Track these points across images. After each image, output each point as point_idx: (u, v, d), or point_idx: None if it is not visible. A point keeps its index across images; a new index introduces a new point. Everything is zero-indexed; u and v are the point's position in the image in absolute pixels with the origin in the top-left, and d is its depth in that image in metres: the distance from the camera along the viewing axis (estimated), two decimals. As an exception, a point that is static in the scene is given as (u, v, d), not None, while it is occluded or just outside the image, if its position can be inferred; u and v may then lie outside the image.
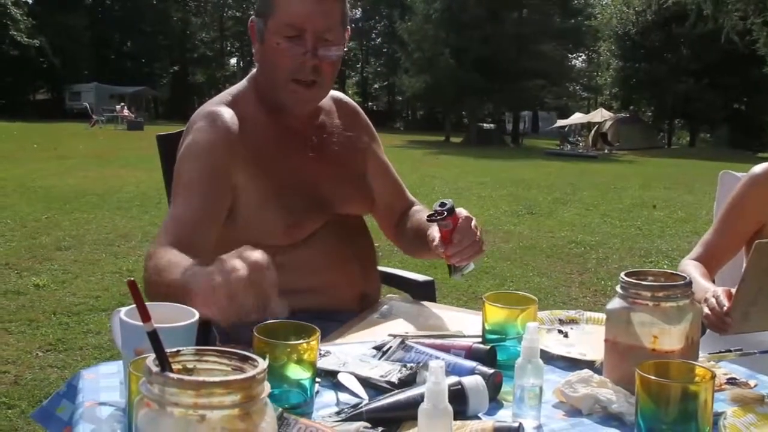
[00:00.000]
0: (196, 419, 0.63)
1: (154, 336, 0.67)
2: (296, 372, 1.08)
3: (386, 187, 1.92)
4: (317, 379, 1.14)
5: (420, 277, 2.07)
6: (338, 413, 1.06)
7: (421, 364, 1.18)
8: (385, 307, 1.75)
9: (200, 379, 0.63)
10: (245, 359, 0.70)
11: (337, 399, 1.15)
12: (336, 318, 1.63)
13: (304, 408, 1.07)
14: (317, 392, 1.14)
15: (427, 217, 1.58)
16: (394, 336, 1.36)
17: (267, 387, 0.67)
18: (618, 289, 1.18)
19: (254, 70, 1.73)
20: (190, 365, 0.71)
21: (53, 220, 7.83)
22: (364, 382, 1.16)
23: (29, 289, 5.10)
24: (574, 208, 10.56)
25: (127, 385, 1.00)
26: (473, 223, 1.55)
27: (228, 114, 1.61)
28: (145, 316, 0.66)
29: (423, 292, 2.03)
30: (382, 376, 1.14)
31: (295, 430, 0.94)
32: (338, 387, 1.17)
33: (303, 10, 1.56)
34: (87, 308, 4.71)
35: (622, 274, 1.19)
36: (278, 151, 1.66)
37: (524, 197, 11.53)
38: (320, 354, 1.24)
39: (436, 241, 1.57)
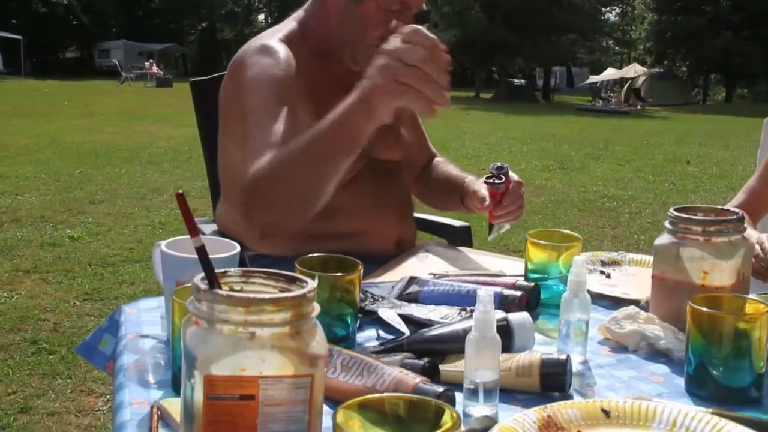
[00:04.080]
0: (246, 337, 0.62)
1: (202, 251, 0.65)
2: (338, 306, 1.07)
3: (414, 137, 1.92)
4: (358, 315, 1.13)
5: (456, 223, 2.05)
6: (380, 345, 1.05)
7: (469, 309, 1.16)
8: (423, 251, 1.73)
9: (250, 295, 0.62)
10: (292, 280, 0.69)
11: (378, 334, 1.14)
12: (373, 261, 1.63)
13: (346, 342, 1.06)
14: (359, 328, 1.14)
15: (485, 179, 1.62)
16: (435, 275, 1.34)
17: (317, 307, 0.66)
18: (667, 224, 1.15)
19: (302, 14, 1.70)
20: (237, 287, 0.69)
21: (86, 174, 7.91)
22: (406, 318, 1.15)
23: (65, 241, 5.18)
24: (606, 163, 10.42)
25: (170, 317, 0.99)
26: (522, 188, 1.62)
27: (284, 49, 1.58)
28: (193, 231, 0.65)
29: (460, 237, 2.01)
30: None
31: (339, 360, 0.93)
32: (379, 323, 1.17)
33: None
34: (121, 260, 4.77)
35: (672, 209, 1.15)
36: (322, 94, 1.64)
37: (555, 152, 11.40)
38: (373, 299, 1.23)
39: (487, 202, 1.61)
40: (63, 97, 19.83)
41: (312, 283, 0.66)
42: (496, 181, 1.57)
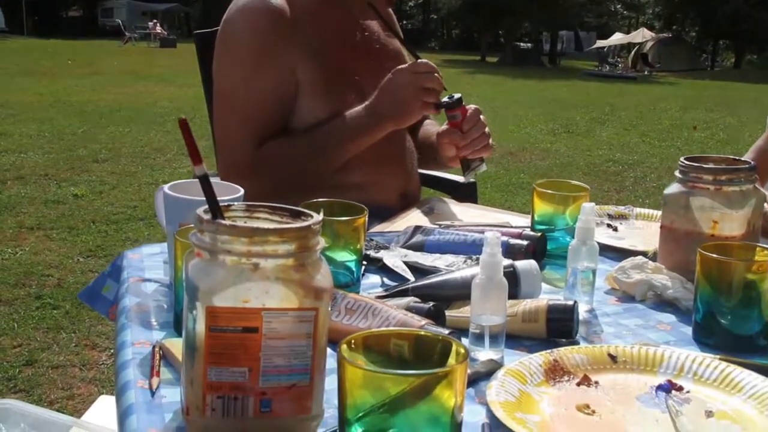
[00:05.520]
0: (250, 268, 0.60)
1: (205, 181, 0.64)
2: (342, 253, 1.06)
3: None
4: (363, 262, 1.12)
5: (462, 179, 2.03)
6: (385, 291, 1.04)
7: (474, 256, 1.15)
8: (427, 205, 1.72)
9: (254, 226, 0.60)
10: (297, 215, 0.67)
11: (383, 281, 1.13)
12: (379, 215, 1.62)
13: (350, 289, 1.05)
14: (364, 275, 1.13)
15: (436, 103, 1.59)
16: (440, 224, 1.33)
17: (322, 241, 0.65)
18: (677, 173, 1.13)
19: None
20: (240, 222, 0.68)
21: (89, 133, 7.88)
22: (411, 266, 1.14)
23: (68, 198, 5.17)
24: (612, 127, 10.35)
25: (173, 260, 0.98)
26: (482, 116, 1.60)
27: None
28: (196, 158, 0.63)
29: (465, 193, 2.00)
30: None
31: (343, 304, 0.92)
32: (384, 270, 1.16)
33: None
34: (125, 217, 4.77)
35: (682, 159, 1.14)
36: (325, 42, 1.62)
37: (561, 116, 11.31)
38: (378, 247, 1.22)
39: (444, 126, 1.62)
40: (66, 57, 19.70)
41: (317, 217, 0.64)
42: (446, 100, 1.54)
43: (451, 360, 0.63)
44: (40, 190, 5.36)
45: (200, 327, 0.61)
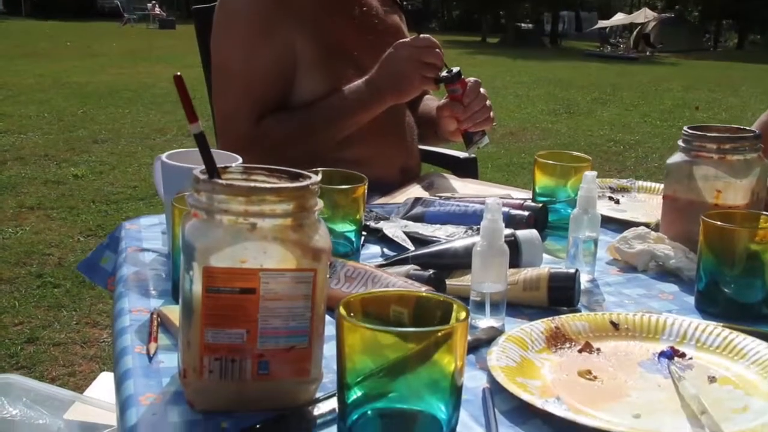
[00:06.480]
0: (247, 228, 0.59)
1: (201, 139, 0.62)
2: (342, 223, 1.05)
3: None
4: (363, 233, 1.11)
5: (462, 154, 2.02)
6: (385, 260, 1.03)
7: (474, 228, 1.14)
8: (427, 180, 1.71)
9: (251, 184, 0.59)
10: (296, 176, 0.66)
11: (383, 252, 1.12)
12: (378, 190, 1.61)
13: (350, 258, 1.04)
14: (363, 245, 1.12)
15: (435, 78, 1.57)
16: (441, 196, 1.32)
17: (320, 202, 0.64)
18: (680, 142, 1.12)
19: None
20: (237, 183, 0.67)
21: (89, 114, 7.85)
22: (411, 236, 1.13)
23: (68, 178, 5.16)
24: (614, 108, 10.29)
25: (170, 229, 0.97)
26: (482, 89, 1.58)
27: None
28: (192, 116, 0.62)
29: (465, 169, 1.98)
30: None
31: (342, 272, 0.91)
32: (384, 241, 1.15)
33: None
34: (125, 197, 4.76)
35: (686, 127, 1.12)
36: (324, 17, 1.61)
37: (562, 97, 11.26)
38: (378, 217, 1.21)
39: (444, 100, 1.60)
40: (65, 38, 19.59)
41: (315, 177, 0.63)
42: (445, 74, 1.52)
43: (453, 321, 0.62)
44: (40, 171, 5.35)
45: (197, 288, 0.60)
